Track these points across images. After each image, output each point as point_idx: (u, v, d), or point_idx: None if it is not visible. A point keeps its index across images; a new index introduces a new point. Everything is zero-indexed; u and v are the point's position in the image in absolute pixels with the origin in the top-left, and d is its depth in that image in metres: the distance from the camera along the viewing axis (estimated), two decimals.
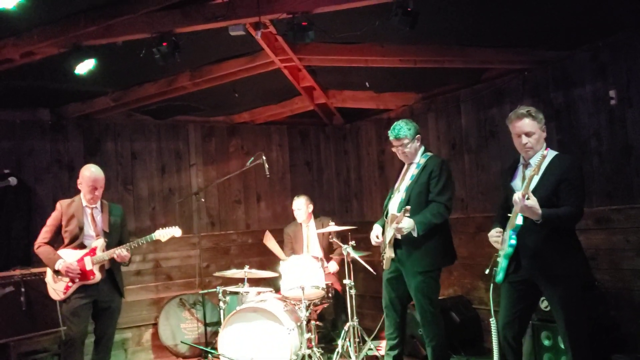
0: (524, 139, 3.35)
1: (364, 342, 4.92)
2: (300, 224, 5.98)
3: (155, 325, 6.07)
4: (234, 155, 6.84)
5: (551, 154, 3.36)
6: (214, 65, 5.13)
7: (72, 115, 5.90)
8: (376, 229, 4.29)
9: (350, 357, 4.82)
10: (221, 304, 5.10)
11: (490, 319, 3.54)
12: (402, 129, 4.13)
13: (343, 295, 5.38)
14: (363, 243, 5.56)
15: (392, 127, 4.18)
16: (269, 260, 6.29)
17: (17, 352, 4.86)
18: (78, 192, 4.36)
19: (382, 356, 4.47)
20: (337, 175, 7.54)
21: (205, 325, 5.72)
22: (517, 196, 3.16)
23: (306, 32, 3.88)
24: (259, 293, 5.14)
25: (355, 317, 4.88)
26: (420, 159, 4.20)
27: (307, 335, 4.72)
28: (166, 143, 6.47)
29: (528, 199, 3.11)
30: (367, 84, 5.87)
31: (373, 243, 4.29)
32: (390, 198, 4.31)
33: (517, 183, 3.44)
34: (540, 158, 3.13)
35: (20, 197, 5.48)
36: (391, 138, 4.19)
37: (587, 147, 4.63)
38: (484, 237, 3.67)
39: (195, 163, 6.61)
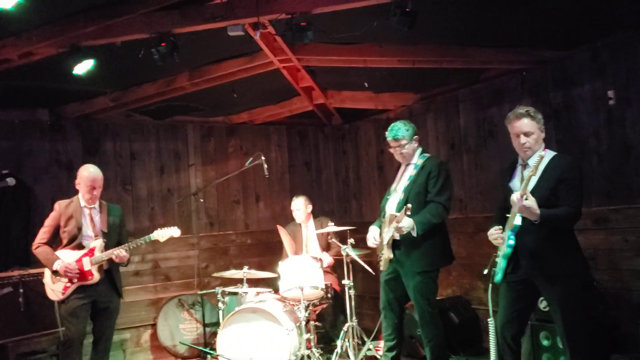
0: (523, 139, 3.35)
1: (363, 342, 4.92)
2: (299, 224, 5.97)
3: (154, 325, 6.06)
4: (233, 156, 6.83)
5: (550, 154, 3.37)
6: (213, 65, 5.13)
7: (71, 116, 5.90)
8: (373, 230, 4.29)
9: (349, 358, 4.82)
10: (220, 304, 5.10)
11: (489, 319, 3.54)
12: (399, 130, 4.14)
13: (342, 295, 5.38)
14: (362, 243, 5.54)
15: (389, 128, 4.18)
16: (268, 261, 6.29)
17: (15, 352, 4.84)
18: (77, 192, 4.35)
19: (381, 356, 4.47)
20: (336, 176, 7.54)
21: (204, 325, 5.72)
22: (515, 197, 3.16)
23: (305, 33, 3.88)
24: (258, 293, 5.13)
25: (354, 318, 4.88)
26: (417, 160, 4.20)
27: (306, 336, 4.72)
28: (165, 143, 6.46)
29: (526, 199, 3.11)
30: (365, 84, 5.87)
31: (370, 245, 4.29)
32: (387, 199, 4.31)
33: (515, 183, 3.44)
34: (537, 159, 3.14)
35: (19, 197, 5.47)
36: (389, 139, 4.19)
37: (586, 146, 4.63)
38: (483, 237, 3.67)
39: (194, 163, 6.61)
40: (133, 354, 6.03)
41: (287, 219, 6.32)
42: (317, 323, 5.18)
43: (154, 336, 6.03)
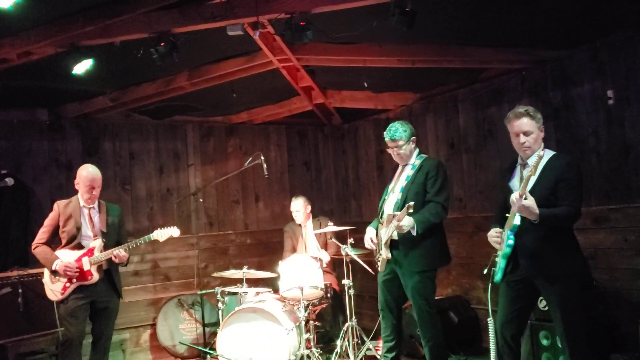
0: (522, 138, 3.35)
1: (363, 342, 4.92)
2: (299, 224, 5.97)
3: (153, 325, 6.06)
4: (232, 155, 6.83)
5: (549, 153, 3.37)
6: (212, 65, 5.12)
7: (70, 115, 5.89)
8: (370, 231, 4.29)
9: (348, 357, 4.82)
10: (220, 304, 5.09)
11: (488, 319, 3.54)
12: (397, 131, 4.14)
13: (342, 295, 5.37)
14: (361, 243, 5.52)
15: (387, 129, 4.20)
16: (267, 261, 6.29)
17: (14, 353, 4.84)
18: (76, 192, 4.35)
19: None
20: (335, 175, 7.54)
21: (204, 325, 5.72)
22: (514, 196, 3.16)
23: (304, 32, 3.87)
24: (257, 293, 5.13)
25: (353, 317, 4.88)
26: (415, 161, 4.22)
27: (305, 336, 4.73)
28: (164, 143, 6.46)
29: (525, 199, 3.11)
30: (365, 84, 5.86)
31: (367, 246, 4.29)
32: (385, 199, 4.31)
33: (515, 183, 3.44)
34: (537, 158, 3.13)
35: (18, 197, 5.47)
36: (387, 139, 4.20)
37: (585, 146, 4.64)
38: (482, 237, 3.67)
39: (194, 163, 6.61)
40: (132, 354, 6.02)
41: (287, 218, 6.32)
42: (316, 323, 5.18)
43: (154, 336, 6.03)
